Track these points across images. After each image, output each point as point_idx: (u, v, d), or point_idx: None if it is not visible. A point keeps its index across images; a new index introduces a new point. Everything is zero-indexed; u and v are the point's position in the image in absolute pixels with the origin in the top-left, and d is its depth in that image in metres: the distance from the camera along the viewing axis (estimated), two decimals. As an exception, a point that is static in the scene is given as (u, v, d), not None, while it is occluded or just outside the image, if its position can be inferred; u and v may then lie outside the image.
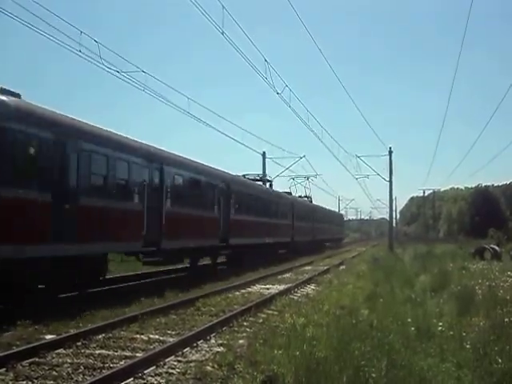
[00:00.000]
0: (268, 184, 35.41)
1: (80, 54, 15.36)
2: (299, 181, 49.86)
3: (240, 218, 24.27)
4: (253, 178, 32.78)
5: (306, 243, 42.69)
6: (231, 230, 22.88)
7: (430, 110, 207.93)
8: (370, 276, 19.08)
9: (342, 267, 27.74)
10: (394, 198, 50.34)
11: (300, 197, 47.01)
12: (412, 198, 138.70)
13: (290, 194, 41.77)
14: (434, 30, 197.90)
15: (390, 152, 46.16)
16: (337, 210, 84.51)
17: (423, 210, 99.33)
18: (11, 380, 6.64)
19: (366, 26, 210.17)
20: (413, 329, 8.60)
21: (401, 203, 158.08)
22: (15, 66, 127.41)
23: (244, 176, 31.02)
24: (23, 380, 6.67)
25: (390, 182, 46.32)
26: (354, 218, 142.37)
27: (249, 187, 27.80)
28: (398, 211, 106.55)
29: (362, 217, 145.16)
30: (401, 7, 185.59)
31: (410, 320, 9.36)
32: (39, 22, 14.06)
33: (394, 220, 69.81)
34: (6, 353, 7.50)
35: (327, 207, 62.60)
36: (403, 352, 6.84)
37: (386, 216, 63.92)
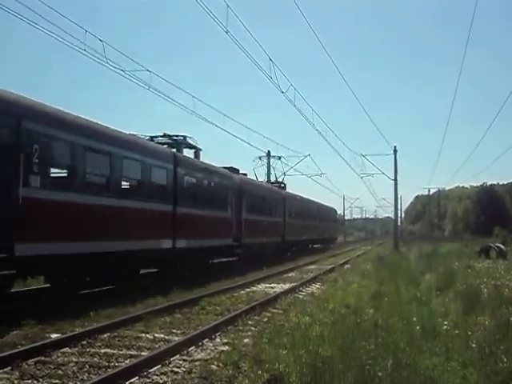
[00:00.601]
0: (193, 153, 21.23)
1: (84, 52, 15.24)
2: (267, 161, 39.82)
3: (58, 198, 11.71)
4: (163, 141, 19.23)
5: (269, 247, 29.91)
6: (20, 223, 10.48)
7: (435, 110, 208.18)
8: (375, 275, 19.04)
9: (346, 266, 27.70)
10: (399, 196, 50.29)
11: (270, 182, 37.08)
12: (417, 197, 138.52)
13: (237, 171, 26.17)
14: (438, 29, 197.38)
15: (395, 151, 46.07)
16: (333, 206, 66.43)
17: (428, 208, 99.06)
18: (17, 379, 6.66)
19: (370, 26, 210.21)
20: (418, 328, 8.57)
21: (406, 202, 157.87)
22: (19, 64, 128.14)
23: (152, 139, 18.69)
24: (29, 379, 6.69)
25: (395, 180, 46.20)
26: (359, 216, 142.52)
27: (92, 137, 13.03)
28: (403, 210, 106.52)
29: (367, 216, 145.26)
30: (404, 6, 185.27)
31: (415, 319, 9.33)
32: (43, 21, 14.01)
33: (399, 219, 69.72)
34: (11, 352, 7.52)
35: (312, 199, 47.33)
36: (408, 351, 6.82)
37: (391, 215, 63.79)
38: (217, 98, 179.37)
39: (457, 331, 8.28)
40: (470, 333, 8.09)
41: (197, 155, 21.32)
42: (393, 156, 46.04)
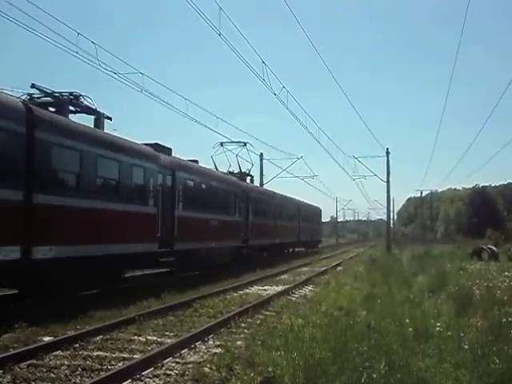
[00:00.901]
0: (93, 120, 14.67)
1: (77, 55, 15.02)
2: (231, 148, 29.93)
3: None
4: (47, 101, 13.17)
5: (220, 253, 22.63)
6: None
7: (428, 110, 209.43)
8: (368, 277, 19.08)
9: (339, 268, 27.74)
10: (391, 198, 50.30)
11: (232, 173, 28.55)
12: (409, 199, 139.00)
13: (168, 150, 18.28)
14: (438, 29, 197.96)
15: (388, 153, 46.23)
16: (318, 206, 55.99)
17: (421, 210, 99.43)
18: (9, 382, 6.62)
19: (370, 26, 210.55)
20: (411, 329, 8.60)
21: (398, 204, 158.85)
22: (13, 67, 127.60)
23: (31, 97, 12.87)
24: (21, 382, 6.66)
25: (388, 182, 46.34)
26: (352, 218, 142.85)
27: None
28: (395, 212, 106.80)
29: (360, 218, 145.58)
30: (403, 7, 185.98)
31: (407, 321, 9.35)
32: (36, 23, 13.90)
33: (392, 221, 69.88)
34: (3, 355, 7.48)
35: (291, 196, 40.60)
36: (401, 353, 6.84)
37: (384, 217, 64.06)
38: (210, 100, 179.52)
39: (449, 333, 8.31)
40: (462, 334, 8.12)
41: (98, 124, 14.54)
42: (385, 158, 46.25)
